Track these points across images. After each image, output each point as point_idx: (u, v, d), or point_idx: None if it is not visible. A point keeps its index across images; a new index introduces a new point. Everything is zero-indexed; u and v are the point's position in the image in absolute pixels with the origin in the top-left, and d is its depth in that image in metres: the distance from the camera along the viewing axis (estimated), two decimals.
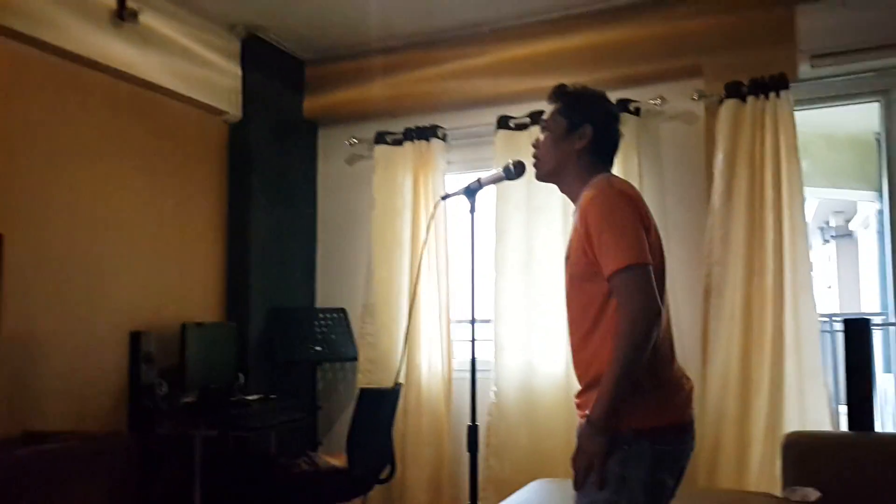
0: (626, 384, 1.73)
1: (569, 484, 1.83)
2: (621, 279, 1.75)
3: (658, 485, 1.78)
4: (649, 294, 1.74)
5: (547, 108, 2.08)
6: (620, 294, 1.76)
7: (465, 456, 4.03)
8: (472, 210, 2.28)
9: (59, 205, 3.32)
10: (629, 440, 1.77)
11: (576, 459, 1.80)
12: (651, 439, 1.77)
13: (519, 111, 4.11)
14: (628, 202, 1.84)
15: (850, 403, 3.02)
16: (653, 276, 1.77)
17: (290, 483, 3.48)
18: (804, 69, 3.60)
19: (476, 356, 2.29)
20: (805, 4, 3.56)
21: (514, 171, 2.19)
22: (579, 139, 1.98)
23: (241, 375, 3.98)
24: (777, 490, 3.13)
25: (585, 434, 1.78)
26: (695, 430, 1.92)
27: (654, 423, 1.79)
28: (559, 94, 2.07)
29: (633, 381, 1.74)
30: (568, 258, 1.93)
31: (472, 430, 2.15)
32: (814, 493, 2.83)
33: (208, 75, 4.06)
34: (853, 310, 8.24)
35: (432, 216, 2.62)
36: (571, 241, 1.91)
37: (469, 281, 2.27)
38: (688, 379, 1.94)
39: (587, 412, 1.79)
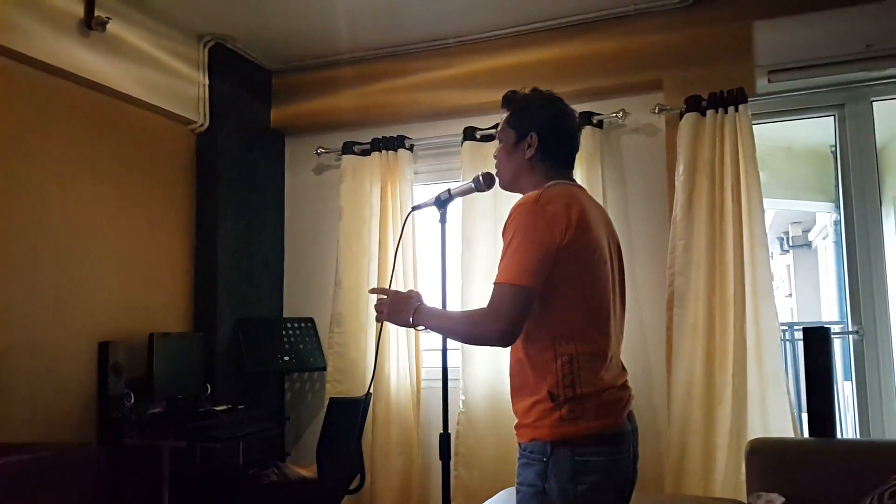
0: (443, 332, 2.08)
1: None
2: (497, 290, 1.81)
3: (583, 497, 1.75)
4: (510, 316, 1.78)
5: (501, 116, 2.10)
6: (491, 301, 1.81)
7: (435, 465, 4.10)
8: (443, 220, 2.31)
9: (27, 213, 3.29)
10: (547, 451, 1.77)
11: (386, 302, 2.06)
12: (570, 449, 1.76)
13: (485, 122, 4.17)
14: (545, 219, 1.81)
15: (811, 411, 3.08)
16: (529, 303, 1.79)
17: (260, 494, 3.47)
18: (762, 84, 3.70)
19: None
20: (762, 21, 3.66)
21: (484, 183, 2.22)
22: (528, 148, 1.99)
23: (208, 386, 3.97)
24: (742, 496, 3.19)
25: (405, 308, 2.01)
26: (633, 443, 1.89)
27: (571, 433, 1.77)
28: (507, 101, 2.08)
29: (447, 336, 2.10)
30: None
31: (445, 439, 2.17)
32: (778, 499, 2.88)
33: (176, 84, 4.05)
34: (812, 319, 8.41)
35: (403, 227, 2.64)
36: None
37: (440, 290, 2.29)
38: (622, 388, 1.91)
39: (418, 322, 1.99)
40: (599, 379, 1.84)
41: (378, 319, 2.08)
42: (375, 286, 4.27)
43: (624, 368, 1.97)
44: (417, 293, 2.06)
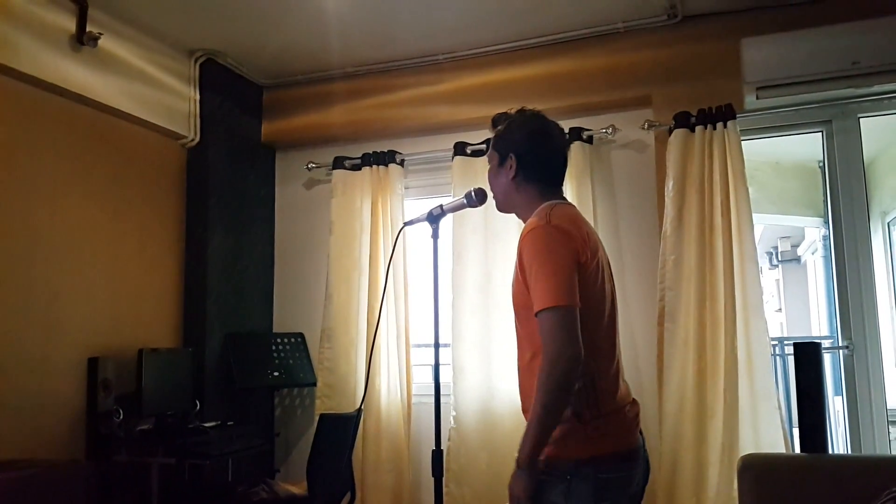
0: (548, 424, 1.76)
1: None
2: (544, 319, 1.77)
3: None
4: (570, 337, 1.74)
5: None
6: (543, 334, 1.77)
7: (426, 481, 4.08)
8: (435, 236, 2.31)
9: (17, 228, 3.27)
10: (571, 471, 1.78)
11: (514, 490, 1.83)
12: (594, 468, 1.78)
13: (475, 138, 4.19)
14: (563, 239, 1.83)
15: (802, 426, 3.08)
16: (577, 317, 1.76)
17: None
18: (750, 100, 3.73)
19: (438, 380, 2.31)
20: (750, 38, 3.69)
21: (476, 199, 2.23)
22: (509, 169, 2.01)
23: (197, 402, 3.94)
24: None
25: (513, 476, 1.81)
26: (644, 454, 1.93)
27: (595, 453, 1.80)
28: (493, 123, 2.11)
29: (556, 421, 1.77)
30: (512, 288, 1.95)
31: (437, 455, 2.16)
32: None
33: (166, 99, 4.05)
34: (801, 333, 8.44)
35: (395, 243, 2.64)
36: (514, 272, 1.93)
37: (432, 305, 2.29)
38: (634, 403, 1.95)
39: (525, 458, 1.79)
40: (618, 395, 1.89)
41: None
42: (367, 300, 4.27)
43: (626, 383, 1.98)
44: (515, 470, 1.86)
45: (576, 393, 1.81)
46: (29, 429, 3.25)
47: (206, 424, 3.77)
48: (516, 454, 1.87)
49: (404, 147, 4.44)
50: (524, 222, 2.03)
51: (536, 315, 1.78)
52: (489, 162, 2.09)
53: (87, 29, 3.50)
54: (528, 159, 2.00)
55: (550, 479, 1.81)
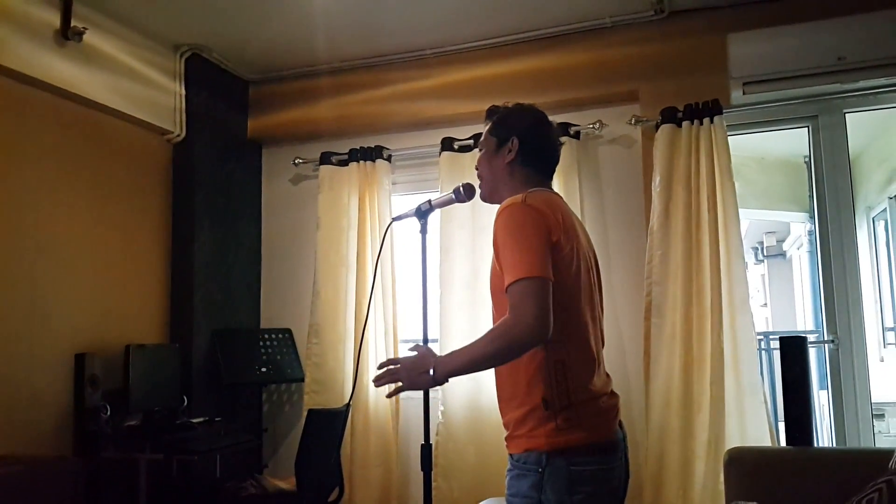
0: (477, 367, 1.81)
1: None
2: (515, 289, 1.72)
3: None
4: (540, 309, 1.69)
5: (484, 128, 2.13)
6: (512, 303, 1.72)
7: (414, 476, 4.10)
8: (423, 231, 2.31)
9: (1, 224, 3.24)
10: (542, 462, 1.76)
11: (398, 370, 1.89)
12: (566, 459, 1.76)
13: (463, 133, 4.19)
14: (533, 216, 1.81)
15: (788, 419, 3.11)
16: (550, 291, 1.73)
17: None
18: (736, 95, 3.74)
19: None
20: (736, 33, 3.71)
21: (465, 194, 2.23)
22: (508, 153, 2.01)
23: (185, 398, 3.93)
24: None
25: (421, 367, 1.85)
26: (624, 448, 1.90)
27: (567, 444, 1.77)
28: (490, 113, 2.12)
29: (484, 368, 1.82)
30: (490, 273, 1.94)
31: (426, 450, 2.15)
32: None
33: (152, 94, 4.03)
34: (787, 328, 8.50)
35: (384, 238, 2.63)
36: (493, 257, 1.91)
37: (421, 300, 2.29)
38: (612, 395, 1.93)
39: (442, 373, 1.83)
40: (592, 385, 1.85)
41: (399, 391, 1.94)
42: (355, 296, 4.26)
43: (608, 376, 1.98)
44: (427, 348, 1.93)
45: (544, 380, 1.80)
46: (16, 425, 3.23)
47: (194, 420, 3.76)
48: (505, 450, 1.88)
49: (391, 142, 4.44)
50: None
51: (507, 290, 1.75)
52: (482, 149, 2.09)
53: (72, 24, 3.47)
54: (530, 144, 2.02)
55: (523, 472, 1.79)
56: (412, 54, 4.33)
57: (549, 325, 1.70)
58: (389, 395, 1.95)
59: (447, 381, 1.83)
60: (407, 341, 4.34)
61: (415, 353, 1.91)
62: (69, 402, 3.46)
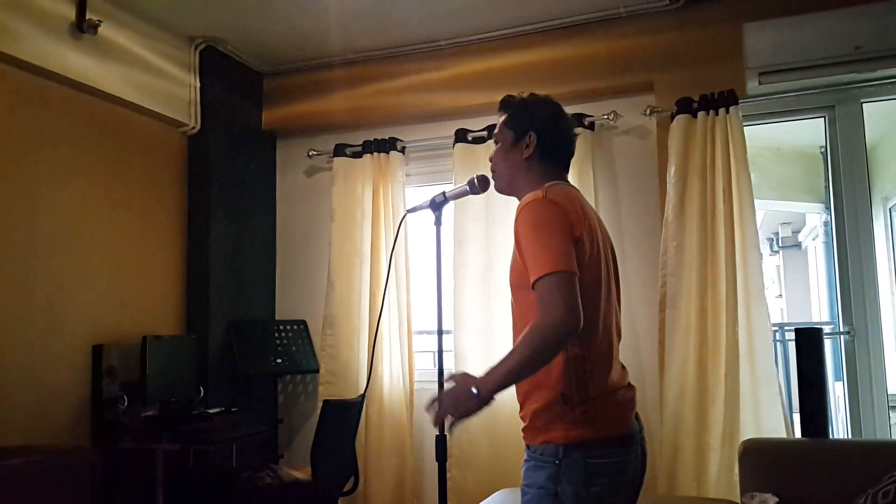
0: (519, 375, 1.75)
1: None
2: (541, 285, 1.71)
3: (595, 499, 1.75)
4: (568, 302, 1.69)
5: (498, 119, 2.10)
6: (541, 300, 1.71)
7: (428, 467, 4.11)
8: (438, 223, 2.31)
9: (19, 217, 3.28)
10: (560, 455, 1.77)
11: (440, 408, 1.80)
12: (583, 452, 1.76)
13: (476, 124, 4.18)
14: (556, 211, 1.80)
15: (803, 411, 3.09)
16: (577, 285, 1.72)
17: (254, 497, 3.46)
18: (752, 85, 3.72)
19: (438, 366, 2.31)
20: (752, 23, 3.67)
21: (479, 186, 2.22)
22: (526, 147, 1.99)
23: (201, 388, 3.96)
24: (736, 496, 3.20)
25: (464, 393, 1.75)
26: (640, 440, 1.90)
27: (585, 436, 1.77)
28: (505, 105, 2.09)
29: (527, 375, 1.76)
30: (510, 266, 1.93)
31: (441, 441, 2.15)
32: (772, 499, 2.89)
33: (167, 87, 4.05)
34: (802, 319, 8.44)
35: (398, 230, 2.63)
36: (513, 251, 1.91)
37: (434, 292, 2.29)
38: (629, 388, 1.93)
39: (487, 391, 1.75)
40: (609, 379, 1.86)
41: (454, 424, 1.83)
42: (369, 287, 4.27)
43: (624, 368, 1.98)
44: (464, 373, 1.82)
45: (563, 374, 1.80)
46: (35, 416, 3.27)
47: (211, 411, 3.80)
48: (522, 437, 1.87)
49: (405, 134, 4.44)
50: None
51: (533, 286, 1.74)
52: (498, 142, 2.07)
53: (87, 16, 3.49)
54: (547, 139, 2.00)
55: (539, 463, 1.79)
56: (426, 45, 4.32)
57: (579, 318, 1.70)
58: (449, 432, 1.85)
59: (493, 398, 1.76)
60: (420, 332, 4.35)
61: (452, 383, 1.83)
62: (87, 393, 3.50)
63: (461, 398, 1.77)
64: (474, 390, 1.75)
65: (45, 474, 2.87)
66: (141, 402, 3.64)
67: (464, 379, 1.80)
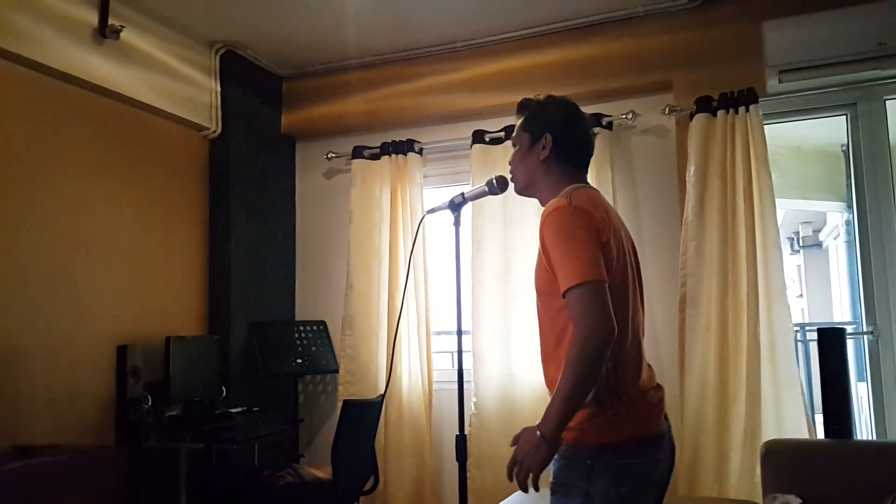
0: (577, 400, 1.73)
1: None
2: (573, 296, 1.73)
3: (625, 498, 1.76)
4: (602, 311, 1.71)
5: (516, 122, 2.10)
6: (573, 311, 1.73)
7: (447, 466, 4.12)
8: (457, 224, 2.32)
9: (44, 220, 3.32)
10: (592, 456, 1.78)
11: (518, 468, 1.77)
12: (615, 453, 1.78)
13: (494, 125, 4.19)
14: (583, 218, 1.81)
15: (826, 412, 3.07)
16: (608, 292, 1.74)
17: (276, 495, 3.49)
18: (773, 84, 3.70)
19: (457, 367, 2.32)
20: (772, 20, 3.65)
21: (498, 186, 2.23)
22: (543, 149, 1.99)
23: (223, 388, 4.00)
24: (757, 497, 3.19)
25: (532, 444, 1.74)
26: (669, 439, 1.92)
27: (618, 438, 1.79)
28: (522, 107, 2.09)
29: (584, 397, 1.73)
30: (535, 272, 1.93)
31: (461, 440, 2.17)
32: (795, 500, 2.87)
33: (188, 91, 4.09)
34: (823, 319, 8.37)
35: (417, 231, 2.64)
36: (538, 256, 1.91)
37: (452, 293, 2.30)
38: (657, 389, 1.94)
39: (550, 430, 1.73)
40: (640, 381, 1.87)
41: (537, 477, 1.77)
42: (388, 288, 4.29)
43: (650, 367, 1.98)
44: (523, 429, 1.81)
45: None
46: (60, 416, 3.32)
47: (233, 410, 3.83)
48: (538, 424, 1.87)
49: (423, 136, 4.45)
50: (543, 206, 2.00)
51: (564, 295, 1.75)
52: (516, 144, 2.07)
53: (109, 22, 3.54)
54: (564, 140, 2.00)
55: (571, 463, 1.80)
56: (443, 47, 4.34)
57: (614, 326, 1.72)
58: (535, 488, 1.78)
59: (559, 434, 1.73)
60: (438, 333, 4.37)
61: (518, 442, 1.81)
62: (111, 394, 3.54)
63: (531, 450, 1.75)
64: (538, 434, 1.74)
65: (70, 473, 2.92)
66: (164, 401, 3.68)
67: (526, 433, 1.79)
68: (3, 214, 3.15)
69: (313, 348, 4.40)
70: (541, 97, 2.09)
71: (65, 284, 3.40)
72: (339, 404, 3.59)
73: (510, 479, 1.80)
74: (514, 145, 2.09)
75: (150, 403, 3.58)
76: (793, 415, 3.45)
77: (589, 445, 1.79)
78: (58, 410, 3.31)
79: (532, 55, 4.16)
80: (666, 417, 1.95)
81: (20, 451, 2.99)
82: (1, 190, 3.14)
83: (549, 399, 1.83)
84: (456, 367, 2.31)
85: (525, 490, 1.78)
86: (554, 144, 1.99)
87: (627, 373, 1.85)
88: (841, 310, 6.18)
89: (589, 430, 1.80)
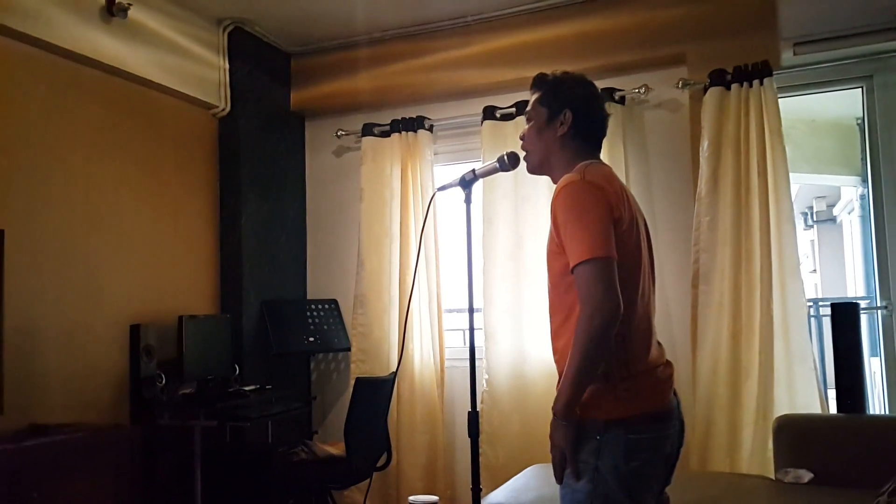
0: (585, 377, 1.75)
1: None
2: (581, 272, 1.74)
3: (634, 473, 1.78)
4: (609, 288, 1.72)
5: (531, 97, 2.08)
6: (580, 288, 1.75)
7: (460, 443, 4.14)
8: (468, 201, 2.30)
9: (56, 200, 3.33)
10: (601, 430, 1.79)
11: (552, 453, 1.84)
12: (624, 428, 1.78)
13: (505, 101, 4.15)
14: (596, 193, 1.81)
15: (839, 387, 3.06)
16: (615, 269, 1.75)
17: (290, 472, 3.52)
18: (787, 56, 3.65)
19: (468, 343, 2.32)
20: None
21: (509, 163, 2.21)
22: (561, 125, 1.98)
23: (236, 367, 4.02)
24: (769, 473, 3.19)
25: (552, 425, 1.81)
26: (678, 415, 1.92)
27: (626, 413, 1.79)
28: (539, 83, 2.07)
29: (593, 373, 1.76)
30: (546, 248, 1.93)
31: (473, 417, 2.17)
32: (807, 475, 2.88)
33: (197, 69, 4.07)
34: (837, 294, 8.33)
35: (428, 209, 2.63)
36: (550, 232, 1.90)
37: (464, 270, 2.29)
38: (667, 364, 1.94)
39: (560, 407, 1.79)
40: (650, 357, 1.87)
41: (563, 457, 1.82)
42: (399, 266, 4.29)
43: (660, 344, 1.98)
44: (551, 426, 1.84)
45: None
46: (75, 394, 3.35)
47: (246, 388, 3.86)
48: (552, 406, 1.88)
49: (433, 112, 4.43)
50: (556, 184, 1.99)
51: (573, 270, 1.76)
52: (531, 120, 2.05)
53: (117, 0, 3.51)
54: (583, 117, 1.99)
55: (581, 438, 1.81)
56: (453, 22, 4.29)
57: (619, 303, 1.73)
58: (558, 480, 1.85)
59: (570, 411, 1.78)
60: (449, 311, 4.37)
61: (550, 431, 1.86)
62: (125, 372, 3.57)
63: (552, 432, 1.82)
64: (560, 414, 1.79)
65: (86, 451, 2.95)
66: (178, 380, 3.70)
67: (551, 423, 1.84)
68: (18, 194, 3.16)
69: (325, 326, 4.41)
70: (557, 73, 2.06)
71: (77, 264, 3.41)
72: (352, 382, 3.60)
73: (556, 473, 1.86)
74: (528, 121, 2.07)
75: (163, 382, 3.61)
76: (805, 390, 3.44)
77: (597, 421, 1.80)
78: (73, 389, 3.34)
79: (543, 29, 4.11)
80: (675, 394, 1.95)
81: (37, 430, 3.02)
82: (12, 171, 3.15)
83: (559, 376, 1.84)
84: (468, 344, 2.30)
85: (562, 470, 1.83)
86: (573, 121, 1.98)
87: (636, 348, 1.85)
88: (855, 285, 6.14)
89: (598, 406, 1.80)
